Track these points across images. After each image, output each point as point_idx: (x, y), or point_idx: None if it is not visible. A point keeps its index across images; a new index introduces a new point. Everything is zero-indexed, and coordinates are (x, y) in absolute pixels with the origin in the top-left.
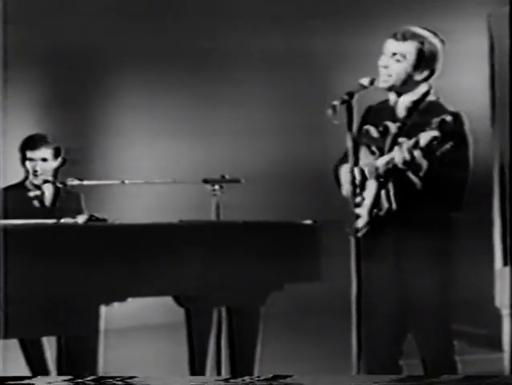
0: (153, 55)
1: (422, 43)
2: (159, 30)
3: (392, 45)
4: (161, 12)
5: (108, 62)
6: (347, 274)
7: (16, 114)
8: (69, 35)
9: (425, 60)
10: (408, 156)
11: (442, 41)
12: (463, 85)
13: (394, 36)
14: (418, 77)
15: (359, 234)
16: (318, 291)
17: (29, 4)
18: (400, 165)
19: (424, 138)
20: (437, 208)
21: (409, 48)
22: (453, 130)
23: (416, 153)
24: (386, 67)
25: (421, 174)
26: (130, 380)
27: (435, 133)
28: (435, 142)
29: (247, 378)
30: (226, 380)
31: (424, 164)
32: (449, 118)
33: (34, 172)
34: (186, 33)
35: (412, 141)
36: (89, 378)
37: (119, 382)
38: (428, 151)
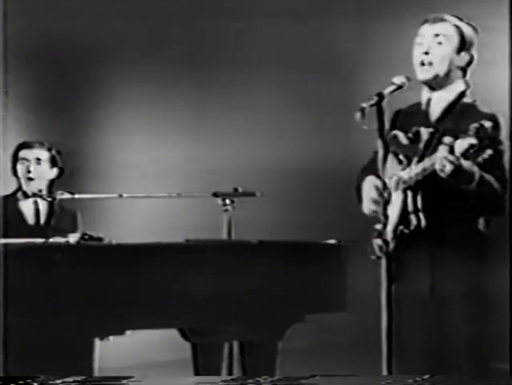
0: (156, 55)
1: (458, 26)
2: (166, 29)
3: (429, 28)
4: (165, 11)
5: (110, 63)
6: (376, 303)
7: (15, 117)
8: (69, 35)
9: (467, 43)
10: (450, 166)
11: (475, 28)
12: (494, 81)
13: (426, 21)
14: (459, 62)
15: (384, 256)
16: (343, 323)
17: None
18: (442, 174)
19: (460, 145)
20: (472, 224)
21: (450, 28)
22: (492, 137)
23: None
24: (427, 53)
25: (474, 184)
26: (126, 381)
27: (472, 140)
28: (471, 150)
29: None
30: None
31: (476, 172)
32: (487, 124)
33: (28, 172)
34: (199, 32)
35: (447, 148)
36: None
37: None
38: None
